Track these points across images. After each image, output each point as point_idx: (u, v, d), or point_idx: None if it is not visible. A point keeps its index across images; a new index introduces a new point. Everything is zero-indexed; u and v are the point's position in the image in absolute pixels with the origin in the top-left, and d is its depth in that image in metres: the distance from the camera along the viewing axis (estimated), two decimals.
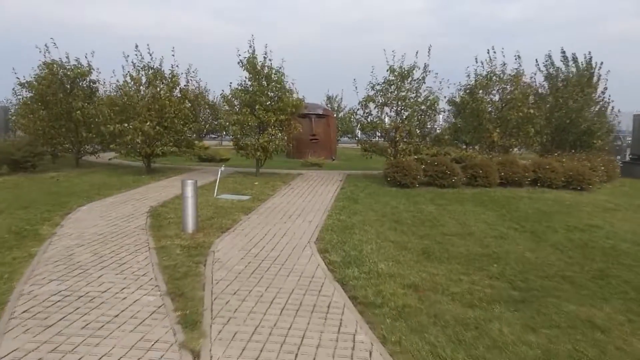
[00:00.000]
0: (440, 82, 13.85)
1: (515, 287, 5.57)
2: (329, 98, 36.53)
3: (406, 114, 14.08)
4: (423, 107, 13.79)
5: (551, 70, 17.33)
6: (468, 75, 15.41)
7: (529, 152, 17.85)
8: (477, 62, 15.19)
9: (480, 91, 15.28)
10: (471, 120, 15.21)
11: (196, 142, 22.02)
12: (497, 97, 15.25)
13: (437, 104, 13.62)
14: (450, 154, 15.45)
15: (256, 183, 12.92)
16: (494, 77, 15.12)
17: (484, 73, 15.13)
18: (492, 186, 13.43)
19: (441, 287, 5.41)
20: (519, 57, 15.00)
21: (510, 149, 15.45)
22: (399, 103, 14.03)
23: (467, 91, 15.40)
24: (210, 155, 19.57)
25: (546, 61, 17.25)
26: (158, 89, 14.63)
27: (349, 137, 37.24)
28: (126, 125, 13.79)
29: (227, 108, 13.99)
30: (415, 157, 13.58)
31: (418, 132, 13.19)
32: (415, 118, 13.24)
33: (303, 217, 8.92)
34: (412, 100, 13.97)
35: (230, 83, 13.89)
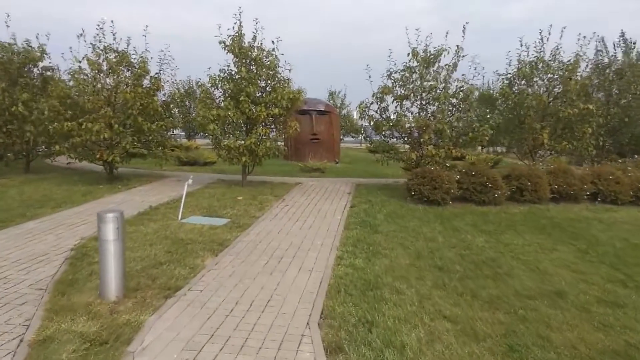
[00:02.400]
0: (476, 69, 10.86)
1: None
2: (331, 94, 33.64)
3: (432, 108, 11.09)
4: (454, 100, 10.80)
5: (605, 57, 14.32)
6: (509, 62, 12.44)
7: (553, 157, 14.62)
8: (521, 45, 12.21)
9: (523, 82, 12.33)
10: (511, 118, 12.23)
11: (183, 141, 19.24)
12: (543, 89, 12.27)
13: (473, 96, 10.61)
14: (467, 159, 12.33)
15: (240, 198, 9.95)
16: (541, 65, 12.15)
17: (529, 59, 12.16)
18: (543, 201, 10.52)
19: None
20: (583, 37, 11.99)
21: (557, 154, 12.48)
22: (424, 95, 11.05)
23: (507, 82, 12.43)
24: (192, 158, 16.60)
25: (597, 48, 14.20)
26: (122, 78, 11.66)
27: (352, 137, 34.37)
28: (77, 122, 10.81)
29: (207, 101, 11.02)
30: (447, 164, 10.59)
31: (449, 132, 10.21)
32: (447, 114, 10.25)
33: (300, 260, 5.95)
34: (440, 92, 10.98)
35: (209, 68, 10.92)
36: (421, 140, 10.64)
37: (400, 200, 10.29)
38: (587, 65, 12.56)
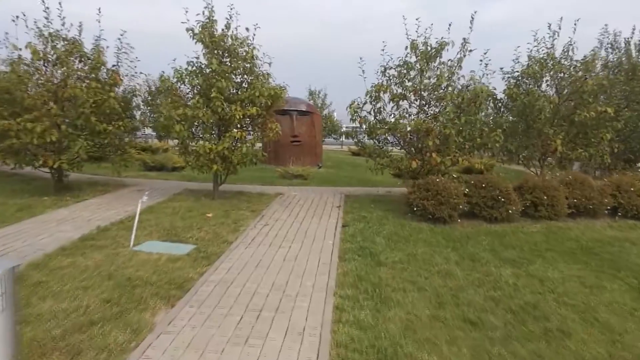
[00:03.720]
0: (487, 66, 9.44)
1: None
2: (311, 93, 32.09)
3: (433, 110, 9.66)
4: (458, 99, 9.37)
5: (615, 56, 13.12)
6: (516, 59, 11.11)
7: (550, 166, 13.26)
8: (535, 41, 10.87)
9: (529, 81, 11.02)
10: (517, 121, 10.91)
11: (154, 143, 17.60)
12: (552, 90, 10.99)
13: (483, 97, 9.20)
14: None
15: (209, 215, 8.32)
16: (551, 62, 10.86)
17: (539, 56, 10.85)
18: (560, 217, 9.20)
19: None
20: (605, 31, 10.72)
21: (568, 163, 11.21)
22: (425, 95, 9.61)
23: (515, 81, 11.10)
24: (159, 163, 14.83)
25: (610, 44, 12.98)
26: (72, 70, 9.89)
27: (334, 138, 32.98)
28: (16, 121, 9.02)
29: (173, 98, 9.34)
30: (455, 175, 9.14)
31: (456, 137, 8.76)
32: (452, 116, 8.80)
33: (286, 315, 4.38)
34: (444, 90, 9.55)
35: (174, 59, 9.23)
36: (423, 146, 9.17)
37: (399, 216, 8.81)
38: (600, 64, 11.30)
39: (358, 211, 9.14)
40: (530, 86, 10.97)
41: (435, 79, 9.55)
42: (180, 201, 9.57)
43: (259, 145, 11.90)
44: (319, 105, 30.36)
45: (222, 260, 5.86)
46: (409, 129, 8.64)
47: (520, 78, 11.08)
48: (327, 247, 6.61)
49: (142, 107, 21.05)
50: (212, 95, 8.68)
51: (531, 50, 10.97)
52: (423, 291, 5.17)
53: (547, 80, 10.94)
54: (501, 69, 11.28)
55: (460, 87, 9.59)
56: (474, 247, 7.10)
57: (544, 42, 10.95)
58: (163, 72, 9.24)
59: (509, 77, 11.25)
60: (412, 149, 9.60)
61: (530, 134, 10.89)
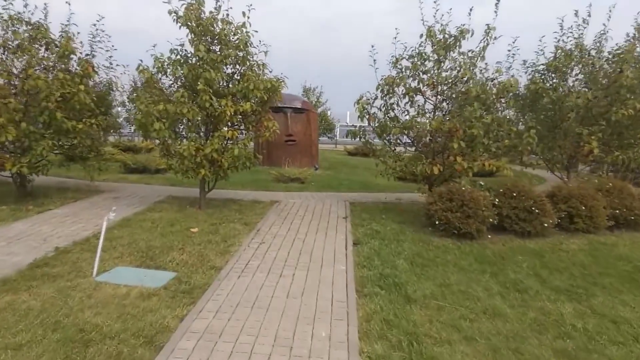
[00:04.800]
0: (514, 56, 8.21)
1: None
2: (306, 90, 30.70)
3: (451, 106, 8.42)
4: (483, 95, 8.13)
5: None
6: (541, 51, 9.91)
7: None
8: (562, 29, 9.67)
9: (555, 75, 9.84)
10: (543, 119, 9.71)
11: (139, 142, 16.35)
12: (581, 84, 9.81)
13: (513, 91, 7.98)
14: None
15: (194, 230, 7.00)
16: (576, 53, 9.68)
17: (567, 47, 9.67)
18: (600, 230, 8.04)
19: None
20: None
21: (600, 167, 10.03)
22: (445, 89, 8.38)
23: (541, 75, 9.91)
24: (141, 164, 13.44)
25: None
26: (36, 59, 8.52)
27: (328, 137, 31.64)
28: None
29: (152, 91, 7.98)
30: (482, 183, 7.91)
31: (484, 140, 7.51)
32: (479, 113, 7.55)
33: None
34: (463, 85, 8.33)
35: (154, 45, 7.87)
36: (444, 148, 7.91)
37: (417, 230, 7.57)
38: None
39: (368, 223, 7.87)
40: (555, 81, 9.77)
41: (457, 70, 8.31)
42: (162, 211, 8.24)
43: (251, 145, 10.65)
44: (314, 102, 28.98)
45: (208, 297, 4.56)
46: (429, 128, 7.38)
47: (546, 72, 9.88)
48: (340, 274, 5.34)
49: (126, 103, 19.62)
50: (198, 88, 7.35)
51: (558, 41, 9.78)
52: (473, 342, 3.92)
53: (576, 74, 9.75)
54: (524, 61, 10.09)
55: (484, 80, 8.34)
56: (514, 271, 5.87)
57: (572, 31, 9.76)
58: (141, 60, 7.84)
59: (532, 71, 10.05)
60: (430, 151, 8.33)
61: (557, 135, 9.70)
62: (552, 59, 9.66)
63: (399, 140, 8.94)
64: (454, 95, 8.21)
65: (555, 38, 9.77)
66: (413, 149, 8.81)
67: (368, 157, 23.63)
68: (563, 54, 9.59)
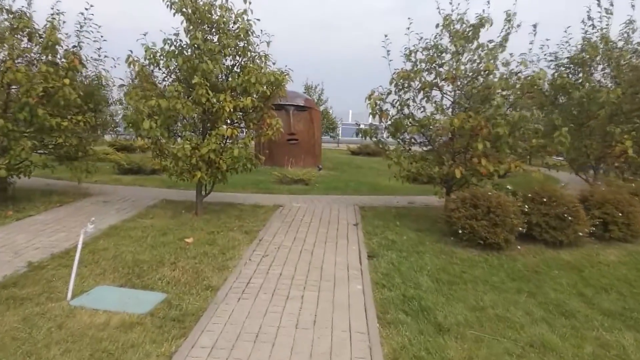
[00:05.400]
0: (542, 48, 7.48)
1: None
2: (307, 88, 29.94)
3: (475, 102, 7.66)
4: (505, 92, 7.40)
5: None
6: (567, 43, 9.16)
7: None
8: (589, 20, 8.91)
9: (582, 69, 9.09)
10: (569, 118, 8.95)
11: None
12: (608, 79, 9.07)
13: (539, 85, 7.25)
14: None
15: (189, 240, 6.24)
16: (601, 46, 8.93)
17: (594, 38, 8.93)
18: (638, 239, 7.29)
19: None
20: None
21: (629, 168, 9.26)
22: (465, 83, 7.62)
23: (565, 69, 9.17)
24: (136, 165, 12.69)
25: None
26: (16, 50, 7.77)
27: (330, 136, 30.86)
28: None
29: (144, 85, 7.22)
30: (509, 187, 7.15)
31: (509, 139, 6.75)
32: (503, 110, 6.80)
33: None
34: (483, 79, 7.58)
35: (144, 34, 7.09)
36: (465, 149, 7.14)
37: (437, 239, 6.82)
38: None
39: (382, 231, 7.13)
40: (581, 75, 9.03)
41: (478, 62, 7.57)
42: (154, 217, 7.49)
43: (252, 145, 9.94)
44: (316, 100, 28.23)
45: (202, 327, 3.81)
46: (451, 126, 6.62)
47: (571, 66, 9.13)
48: (356, 296, 4.59)
49: (123, 100, 18.84)
50: (194, 82, 6.60)
51: (585, 32, 9.02)
52: None
53: (602, 68, 9.00)
54: (553, 54, 9.33)
55: (507, 74, 7.60)
56: (554, 289, 5.13)
57: (598, 21, 9.01)
58: (131, 51, 7.08)
59: (556, 65, 9.30)
60: (450, 152, 7.57)
61: (583, 134, 8.95)
62: (578, 51, 8.89)
63: (413, 140, 8.18)
64: (474, 90, 7.44)
65: (582, 29, 9.01)
66: (429, 149, 8.02)
67: (372, 157, 23.00)
68: (589, 46, 8.82)
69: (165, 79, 7.45)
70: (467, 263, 5.87)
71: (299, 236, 6.72)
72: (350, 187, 11.71)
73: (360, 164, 18.62)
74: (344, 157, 21.53)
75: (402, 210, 8.76)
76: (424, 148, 8.24)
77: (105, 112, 9.66)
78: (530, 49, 7.84)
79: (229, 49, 7.10)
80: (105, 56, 9.27)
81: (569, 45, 9.10)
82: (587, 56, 8.57)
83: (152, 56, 6.94)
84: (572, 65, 9.16)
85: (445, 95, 7.95)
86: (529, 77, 7.18)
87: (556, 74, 9.09)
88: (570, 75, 9.08)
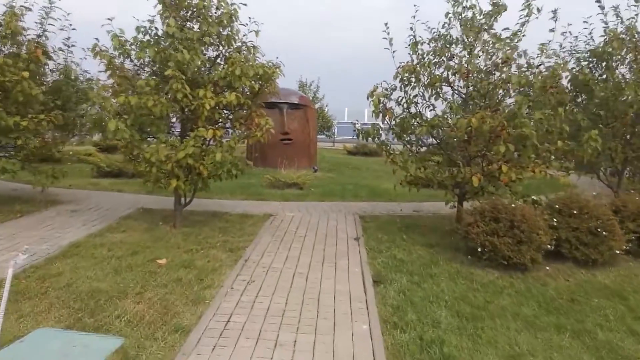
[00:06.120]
0: (564, 36, 6.59)
1: None
2: (301, 85, 28.96)
3: (489, 100, 6.75)
4: (524, 87, 6.49)
5: None
6: (589, 34, 8.26)
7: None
8: (616, 9, 8.01)
9: (605, 64, 8.21)
10: (590, 118, 8.06)
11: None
12: (631, 74, 8.18)
13: (561, 76, 6.38)
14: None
15: (161, 261, 5.29)
16: (627, 39, 8.05)
17: (620, 29, 8.04)
18: None
19: None
20: None
21: None
22: (479, 78, 6.70)
23: (588, 63, 8.28)
24: (116, 167, 11.70)
25: None
26: None
27: (326, 135, 29.88)
28: None
29: (114, 78, 6.26)
30: (534, 198, 6.26)
31: (536, 142, 5.83)
32: (526, 109, 5.91)
33: None
34: (498, 73, 6.67)
35: (110, 20, 6.09)
36: (483, 153, 6.21)
37: (451, 256, 5.92)
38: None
39: (387, 248, 6.21)
40: (605, 71, 8.15)
41: (493, 54, 6.66)
42: (126, 231, 6.54)
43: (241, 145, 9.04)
44: (310, 98, 27.26)
45: None
46: (467, 127, 5.69)
47: (593, 60, 8.25)
48: (362, 342, 3.66)
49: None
50: (166, 73, 5.64)
51: (608, 25, 8.11)
52: None
53: (629, 63, 8.11)
54: (573, 45, 8.43)
55: (526, 66, 6.70)
56: (601, 326, 4.23)
57: (620, 11, 8.11)
58: (97, 39, 6.09)
59: (577, 59, 8.40)
60: (465, 156, 6.65)
61: (606, 136, 8.06)
62: (602, 44, 7.99)
63: (421, 142, 7.26)
64: (491, 86, 6.51)
65: (603, 20, 8.08)
66: (440, 152, 7.09)
67: (369, 157, 22.10)
68: (615, 38, 7.92)
69: (139, 72, 6.47)
70: (490, 289, 4.96)
71: (292, 254, 5.79)
72: (349, 191, 10.78)
73: (357, 165, 17.73)
74: (341, 157, 20.61)
75: (408, 220, 7.85)
76: (434, 151, 7.31)
77: (76, 110, 8.64)
78: (550, 40, 6.93)
79: (210, 38, 6.13)
80: (73, 45, 8.28)
81: (591, 36, 8.19)
82: (612, 49, 7.66)
83: (120, 46, 5.96)
84: (594, 59, 8.26)
85: (456, 91, 7.03)
86: (551, 69, 6.27)
87: (576, 70, 8.19)
88: (592, 71, 8.18)
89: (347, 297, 4.51)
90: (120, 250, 5.61)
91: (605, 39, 7.98)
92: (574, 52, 8.41)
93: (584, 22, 8.27)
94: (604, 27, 8.08)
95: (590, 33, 8.20)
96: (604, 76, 8.11)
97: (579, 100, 8.42)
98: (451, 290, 4.85)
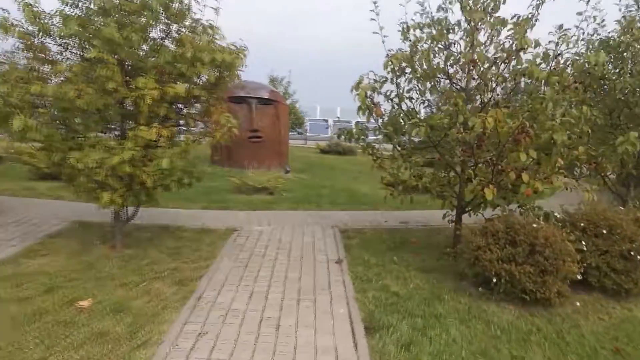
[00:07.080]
0: (590, 20, 5.55)
1: None
2: (272, 80, 27.60)
3: (499, 96, 5.67)
4: (537, 80, 5.42)
5: None
6: (602, 22, 7.29)
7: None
8: None
9: (624, 55, 7.26)
10: (600, 116, 7.09)
11: None
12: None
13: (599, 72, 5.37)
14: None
15: (84, 303, 3.97)
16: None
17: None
18: None
19: None
20: None
21: None
22: (487, 71, 5.60)
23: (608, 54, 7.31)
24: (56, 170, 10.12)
25: None
26: None
27: (298, 132, 28.62)
28: None
29: (32, 60, 4.91)
30: (557, 215, 5.20)
31: (564, 150, 4.77)
32: (550, 109, 4.85)
33: None
34: (510, 64, 5.58)
35: None
36: (496, 160, 5.09)
37: (454, 285, 4.81)
38: None
39: (377, 275, 5.05)
40: (619, 63, 7.21)
41: (501, 41, 5.57)
42: (49, 255, 5.18)
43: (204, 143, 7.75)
44: (282, 93, 25.95)
45: None
46: (481, 129, 4.57)
47: (609, 51, 7.29)
48: None
49: None
50: (89, 55, 4.32)
51: (624, 14, 7.18)
52: None
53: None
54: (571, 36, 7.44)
55: (541, 57, 5.63)
56: None
57: None
58: (6, 12, 4.69)
59: (588, 50, 7.42)
60: (468, 163, 5.54)
61: (615, 135, 7.12)
62: (618, 33, 7.05)
63: (413, 144, 6.11)
64: (500, 79, 5.42)
65: (619, 8, 7.16)
66: (438, 157, 5.95)
67: (343, 156, 21.00)
68: (632, 26, 6.98)
69: (63, 54, 5.09)
70: (513, 336, 3.86)
71: (259, 288, 4.56)
72: (325, 196, 9.60)
73: (332, 165, 16.63)
74: (314, 157, 19.44)
75: (396, 236, 6.71)
76: (431, 158, 6.17)
77: None
78: (577, 26, 5.88)
79: (152, 12, 4.79)
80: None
81: (604, 24, 7.22)
82: (633, 39, 6.72)
83: (33, 18, 4.58)
84: (610, 51, 7.32)
85: (455, 85, 5.91)
86: (578, 62, 5.23)
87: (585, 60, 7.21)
88: (609, 64, 7.23)
89: (332, 358, 3.32)
90: (30, 287, 4.26)
91: (624, 27, 7.02)
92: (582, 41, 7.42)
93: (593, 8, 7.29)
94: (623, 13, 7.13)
95: (603, 21, 7.23)
96: (618, 70, 7.15)
97: (589, 96, 7.44)
98: (466, 339, 3.73)
